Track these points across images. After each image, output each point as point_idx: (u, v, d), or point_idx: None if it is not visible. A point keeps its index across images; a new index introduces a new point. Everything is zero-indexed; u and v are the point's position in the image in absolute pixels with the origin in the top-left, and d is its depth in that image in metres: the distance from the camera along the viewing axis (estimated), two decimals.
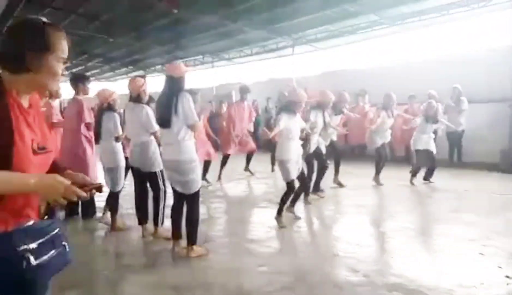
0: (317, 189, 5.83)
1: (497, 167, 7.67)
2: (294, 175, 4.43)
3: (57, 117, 5.23)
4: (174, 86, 3.37)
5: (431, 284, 2.85)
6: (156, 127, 3.84)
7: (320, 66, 13.44)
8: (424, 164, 6.71)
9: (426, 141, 6.55)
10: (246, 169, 8.13)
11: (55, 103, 5.41)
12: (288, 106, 4.52)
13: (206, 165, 7.13)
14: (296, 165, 4.46)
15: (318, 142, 5.60)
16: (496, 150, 7.91)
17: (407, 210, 5.15)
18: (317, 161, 5.66)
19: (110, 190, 4.44)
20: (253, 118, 8.00)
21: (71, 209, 4.80)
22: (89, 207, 4.77)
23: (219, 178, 7.34)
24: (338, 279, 3.01)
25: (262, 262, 3.40)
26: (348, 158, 9.59)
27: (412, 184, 6.57)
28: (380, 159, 6.70)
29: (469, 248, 3.57)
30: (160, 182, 4.01)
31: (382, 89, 8.84)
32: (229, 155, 7.46)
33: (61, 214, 4.71)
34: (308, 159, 5.50)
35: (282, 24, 10.83)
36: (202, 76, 17.47)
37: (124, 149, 4.55)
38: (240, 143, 7.50)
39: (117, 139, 4.33)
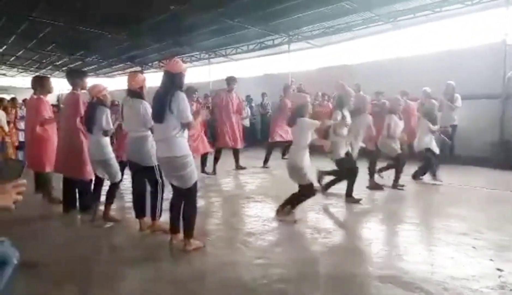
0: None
1: (488, 162, 7.77)
2: (313, 178, 4.38)
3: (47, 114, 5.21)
4: (170, 83, 3.39)
5: (424, 276, 2.91)
6: (153, 122, 3.88)
7: (316, 62, 13.49)
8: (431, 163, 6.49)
9: (429, 141, 6.39)
10: (237, 167, 8.06)
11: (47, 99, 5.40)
12: (300, 111, 4.37)
13: (203, 158, 7.23)
14: (311, 169, 4.40)
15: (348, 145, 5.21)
16: (488, 145, 8.02)
17: (401, 204, 5.22)
18: (347, 166, 5.28)
19: (110, 182, 4.51)
20: (243, 111, 8.09)
21: (69, 202, 4.82)
22: (87, 200, 4.77)
23: (214, 172, 7.44)
24: (333, 270, 3.07)
25: (259, 254, 3.44)
26: None
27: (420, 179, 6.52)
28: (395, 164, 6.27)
29: (461, 242, 3.64)
30: (158, 175, 4.03)
31: (376, 85, 8.94)
32: (221, 148, 7.52)
33: None
34: (339, 164, 5.24)
35: (278, 21, 10.86)
36: (199, 72, 17.45)
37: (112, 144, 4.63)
38: (230, 137, 7.56)
39: (105, 133, 4.37)
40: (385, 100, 8.60)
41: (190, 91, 6.13)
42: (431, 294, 2.64)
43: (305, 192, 4.36)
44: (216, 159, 7.57)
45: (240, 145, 7.89)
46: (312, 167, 4.50)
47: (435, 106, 6.57)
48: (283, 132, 8.20)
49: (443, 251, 3.48)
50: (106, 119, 4.33)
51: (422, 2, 9.21)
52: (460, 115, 8.13)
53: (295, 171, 4.31)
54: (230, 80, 7.63)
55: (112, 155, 4.49)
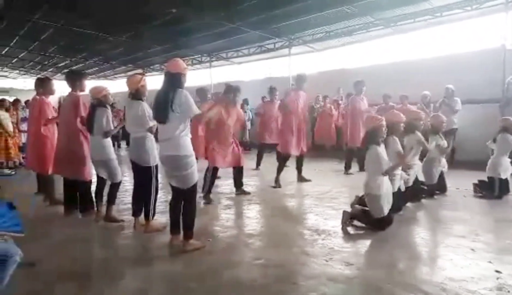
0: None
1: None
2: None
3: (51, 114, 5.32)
4: (171, 82, 3.43)
5: (423, 278, 2.92)
6: (151, 123, 3.93)
7: (316, 66, 13.54)
8: None
9: None
10: (300, 178, 6.93)
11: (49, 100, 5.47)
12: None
13: (236, 173, 6.03)
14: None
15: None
16: (487, 150, 8.02)
17: None
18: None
19: (110, 182, 4.58)
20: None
21: (69, 203, 4.84)
22: (87, 201, 4.79)
23: (278, 183, 6.52)
24: (333, 271, 3.07)
25: (259, 255, 3.46)
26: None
27: None
28: None
29: (460, 244, 3.64)
30: (153, 177, 4.09)
31: (377, 89, 8.98)
32: (289, 155, 6.61)
33: None
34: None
35: (279, 25, 10.91)
36: (200, 75, 17.50)
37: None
38: (299, 143, 6.58)
39: (106, 135, 4.41)
40: (393, 104, 8.66)
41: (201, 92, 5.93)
42: None
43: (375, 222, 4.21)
44: (279, 171, 6.62)
45: (302, 151, 6.74)
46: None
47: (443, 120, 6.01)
48: None
49: (442, 253, 3.49)
50: (107, 120, 4.38)
51: (422, 7, 9.27)
52: (461, 119, 8.15)
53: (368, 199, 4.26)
54: (301, 79, 6.61)
55: (112, 156, 4.54)
